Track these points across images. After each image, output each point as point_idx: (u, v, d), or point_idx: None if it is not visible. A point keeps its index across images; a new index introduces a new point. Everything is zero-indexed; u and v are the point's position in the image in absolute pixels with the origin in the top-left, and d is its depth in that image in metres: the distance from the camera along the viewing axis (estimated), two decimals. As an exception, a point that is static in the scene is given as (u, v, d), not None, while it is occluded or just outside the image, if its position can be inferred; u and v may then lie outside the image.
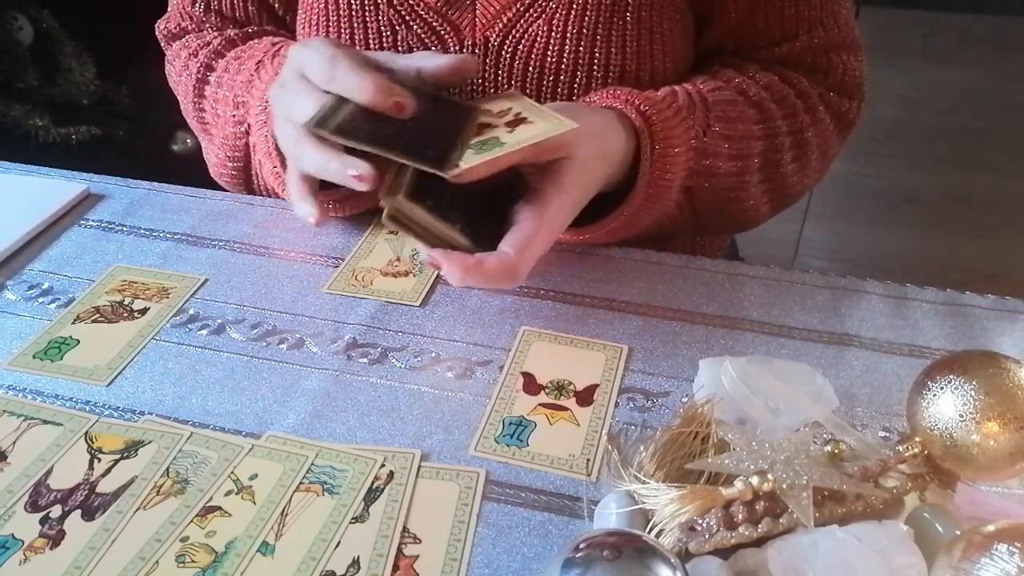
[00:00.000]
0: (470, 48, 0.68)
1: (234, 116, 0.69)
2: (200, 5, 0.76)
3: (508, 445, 0.51)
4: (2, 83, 1.35)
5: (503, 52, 0.67)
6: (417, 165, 0.52)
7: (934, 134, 2.43)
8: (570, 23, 0.66)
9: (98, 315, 0.61)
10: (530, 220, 0.54)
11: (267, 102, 0.62)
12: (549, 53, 0.67)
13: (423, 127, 0.55)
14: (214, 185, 0.76)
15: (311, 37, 0.65)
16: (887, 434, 0.52)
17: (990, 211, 2.14)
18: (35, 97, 1.37)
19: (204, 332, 0.60)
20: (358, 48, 0.68)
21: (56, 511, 0.47)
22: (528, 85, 0.68)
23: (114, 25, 1.47)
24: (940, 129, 2.46)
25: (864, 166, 2.17)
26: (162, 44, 0.80)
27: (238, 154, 0.71)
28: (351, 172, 0.53)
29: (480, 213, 0.55)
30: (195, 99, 0.74)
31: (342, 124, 0.53)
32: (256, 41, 0.73)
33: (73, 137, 1.38)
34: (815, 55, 0.70)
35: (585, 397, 0.54)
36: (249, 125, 0.68)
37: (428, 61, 0.58)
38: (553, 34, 0.66)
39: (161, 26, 0.79)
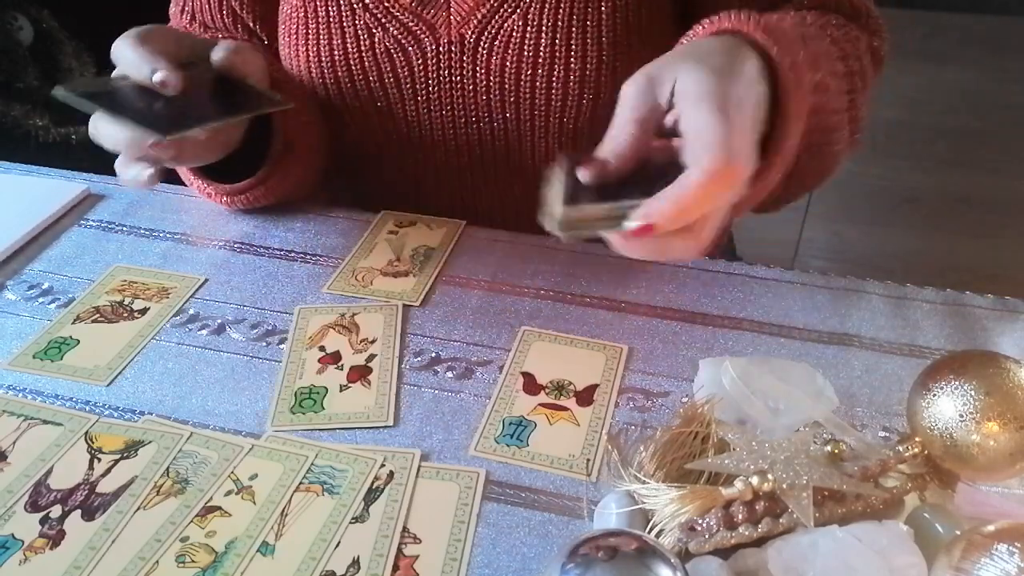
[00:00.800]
0: (447, 46, 0.68)
1: None
2: (186, 16, 0.78)
3: (508, 445, 0.51)
4: (2, 83, 1.36)
5: (479, 48, 0.68)
6: (139, 128, 0.55)
7: (934, 134, 2.43)
8: (545, 16, 0.66)
9: (98, 315, 0.61)
10: (695, 115, 0.47)
11: None
12: (525, 47, 0.67)
13: (191, 105, 0.58)
14: (214, 185, 0.76)
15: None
16: (887, 434, 0.52)
17: (990, 211, 2.14)
18: (35, 97, 1.37)
19: (204, 332, 0.60)
20: (336, 53, 0.70)
21: (56, 511, 0.47)
22: (506, 80, 0.68)
23: (114, 25, 1.47)
24: (940, 129, 2.45)
25: (864, 166, 2.17)
26: None
27: None
28: (146, 142, 0.56)
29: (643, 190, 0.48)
30: None
31: (93, 91, 0.57)
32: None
33: (73, 137, 1.38)
34: (846, 2, 0.67)
35: (585, 397, 0.54)
36: None
37: (215, 53, 0.62)
38: (529, 28, 0.66)
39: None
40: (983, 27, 2.93)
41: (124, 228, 0.71)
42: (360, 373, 0.56)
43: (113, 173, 0.77)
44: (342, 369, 0.56)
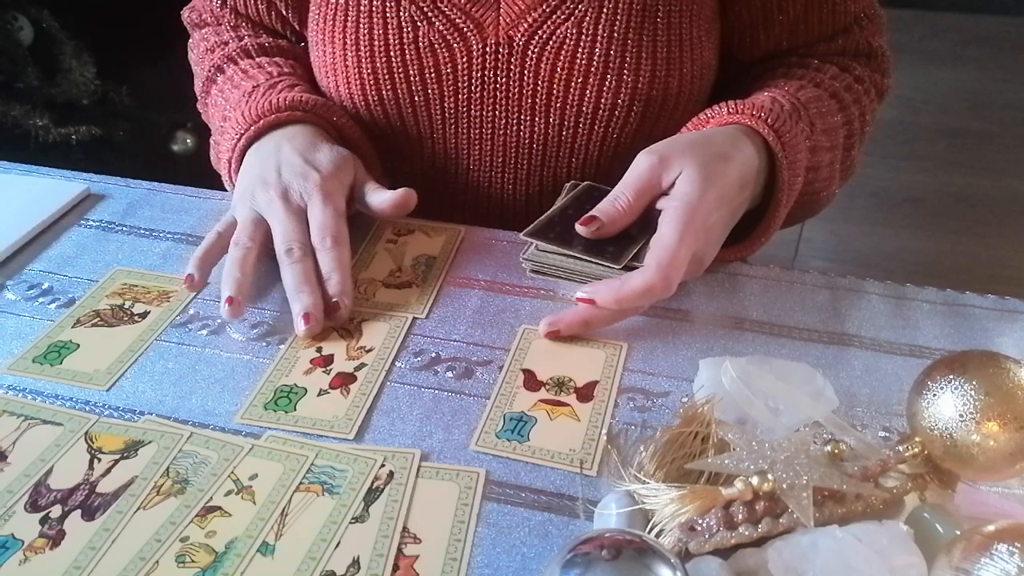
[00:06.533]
0: (493, 46, 0.68)
1: (221, 126, 0.74)
2: (218, 0, 0.79)
3: (509, 440, 0.51)
4: (2, 83, 1.35)
5: (528, 52, 0.68)
6: (598, 264, 0.59)
7: (934, 134, 2.43)
8: (600, 26, 0.66)
9: (98, 319, 0.61)
10: (668, 226, 0.56)
11: (249, 136, 0.67)
12: (579, 55, 0.67)
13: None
14: (214, 185, 0.76)
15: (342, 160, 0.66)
16: (887, 434, 0.52)
17: (990, 211, 2.14)
18: (35, 97, 1.37)
19: (204, 332, 0.60)
20: (376, 44, 0.69)
21: (56, 511, 0.46)
22: (554, 86, 0.68)
23: (114, 25, 1.47)
24: (940, 129, 2.46)
25: (864, 166, 2.16)
26: (187, 28, 0.84)
27: None
28: (299, 310, 0.58)
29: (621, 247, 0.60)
30: (203, 93, 0.80)
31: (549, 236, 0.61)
32: (266, 60, 0.76)
33: (73, 137, 1.38)
34: (866, 44, 0.74)
35: (585, 393, 0.54)
36: (222, 138, 0.73)
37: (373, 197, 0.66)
38: (583, 37, 0.66)
39: (185, 14, 0.84)
40: (983, 27, 2.94)
41: (124, 228, 0.71)
42: (343, 380, 0.55)
43: (113, 173, 0.78)
44: (329, 373, 0.56)
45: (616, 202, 0.59)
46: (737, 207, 0.61)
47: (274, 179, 0.63)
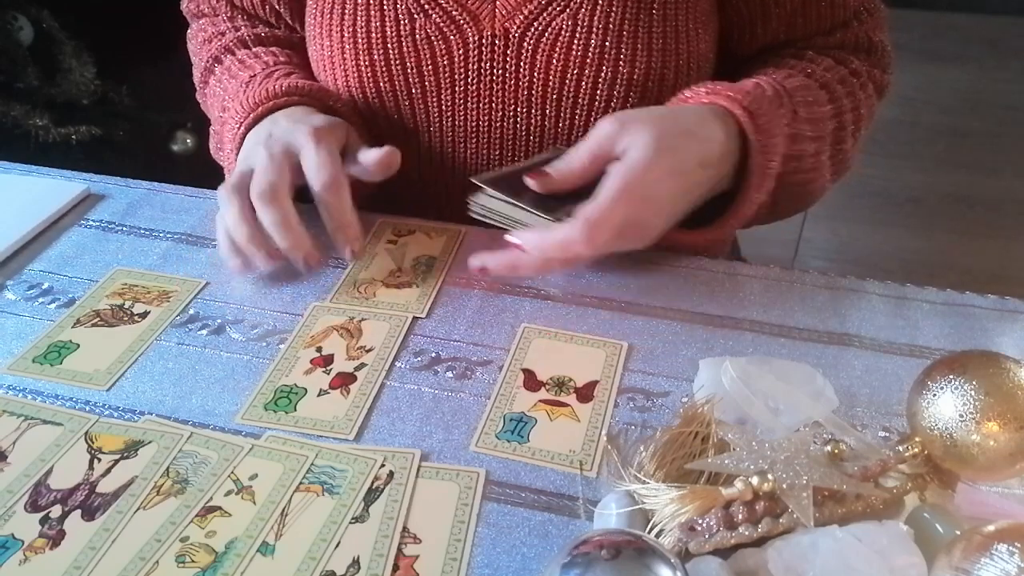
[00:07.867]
0: (489, 38, 0.68)
1: (220, 117, 0.75)
2: None
3: (509, 441, 0.51)
4: (2, 83, 1.35)
5: (524, 44, 0.68)
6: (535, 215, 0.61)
7: (934, 134, 2.43)
8: (595, 18, 0.66)
9: (98, 319, 0.61)
10: (606, 185, 0.57)
11: (247, 123, 0.68)
12: (574, 47, 0.67)
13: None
14: (214, 185, 0.76)
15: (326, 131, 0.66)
16: (887, 434, 0.52)
17: (990, 211, 2.14)
18: (35, 97, 1.37)
19: (204, 332, 0.60)
20: (373, 36, 0.70)
21: (56, 511, 0.47)
22: (550, 77, 0.69)
23: (114, 25, 1.47)
24: (940, 129, 2.45)
25: (864, 166, 2.16)
26: (187, 18, 0.86)
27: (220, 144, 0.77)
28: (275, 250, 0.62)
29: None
30: (201, 84, 0.81)
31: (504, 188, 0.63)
32: (262, 51, 0.78)
33: (73, 137, 1.38)
34: (866, 38, 0.75)
35: (585, 393, 0.54)
36: (223, 128, 0.74)
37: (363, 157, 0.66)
38: (578, 28, 0.67)
39: (184, 4, 0.86)
40: (983, 27, 2.93)
41: (124, 228, 0.71)
42: (343, 380, 0.55)
43: (113, 173, 0.78)
44: (329, 373, 0.56)
45: (568, 161, 0.61)
46: (693, 184, 0.61)
47: (265, 139, 0.65)
